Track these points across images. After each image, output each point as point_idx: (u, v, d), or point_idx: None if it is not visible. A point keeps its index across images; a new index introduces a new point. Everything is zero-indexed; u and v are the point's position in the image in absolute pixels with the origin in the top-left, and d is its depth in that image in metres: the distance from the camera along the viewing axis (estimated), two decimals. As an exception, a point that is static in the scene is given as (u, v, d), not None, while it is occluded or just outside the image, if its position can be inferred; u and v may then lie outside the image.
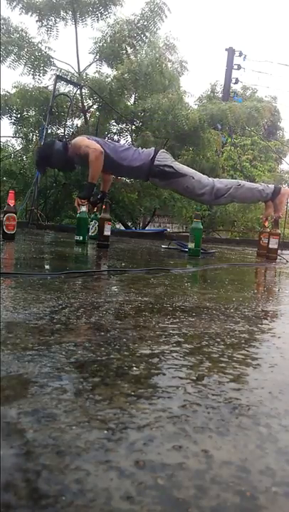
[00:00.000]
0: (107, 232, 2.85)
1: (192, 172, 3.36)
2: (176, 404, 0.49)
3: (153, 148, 3.43)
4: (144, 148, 3.39)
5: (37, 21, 6.41)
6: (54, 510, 0.30)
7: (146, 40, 6.47)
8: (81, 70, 6.66)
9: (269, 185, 3.49)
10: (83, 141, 3.15)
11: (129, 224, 7.76)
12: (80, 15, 6.48)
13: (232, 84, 11.78)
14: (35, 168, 5.25)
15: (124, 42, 6.34)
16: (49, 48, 6.48)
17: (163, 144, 6.95)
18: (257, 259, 3.24)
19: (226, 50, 11.28)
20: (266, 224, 3.48)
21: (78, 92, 6.34)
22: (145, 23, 6.30)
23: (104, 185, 3.57)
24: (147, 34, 6.36)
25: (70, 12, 6.39)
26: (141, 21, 6.29)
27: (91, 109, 7.01)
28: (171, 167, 3.24)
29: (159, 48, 6.56)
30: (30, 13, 6.34)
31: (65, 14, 6.45)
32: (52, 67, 6.56)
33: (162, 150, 3.40)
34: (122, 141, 7.62)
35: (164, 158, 3.28)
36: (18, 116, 6.99)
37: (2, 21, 6.09)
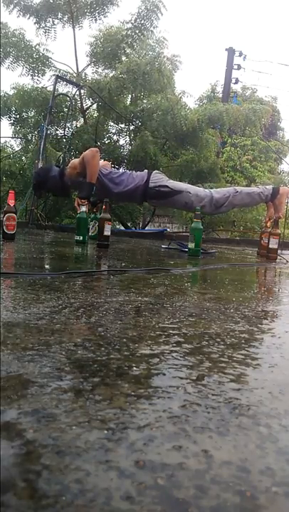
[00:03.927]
0: (107, 232, 2.86)
1: (188, 187, 3.43)
2: (176, 404, 0.49)
3: (146, 170, 3.48)
4: (137, 172, 3.43)
5: (35, 23, 6.42)
6: (54, 511, 0.30)
7: (144, 39, 6.48)
8: (80, 71, 6.67)
9: (267, 187, 3.50)
10: (78, 159, 3.25)
11: (129, 224, 7.77)
12: (77, 16, 6.48)
13: (232, 85, 11.79)
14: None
15: (122, 41, 6.34)
16: (47, 50, 6.49)
17: (162, 144, 6.96)
18: (257, 259, 3.24)
19: (226, 50, 11.30)
20: (268, 225, 3.47)
21: (78, 92, 6.35)
22: (142, 22, 6.30)
23: None
24: (145, 32, 6.37)
25: (68, 13, 6.40)
26: (138, 20, 6.30)
27: (89, 110, 7.02)
28: (167, 186, 3.29)
29: (157, 48, 6.57)
30: (28, 16, 6.35)
31: (62, 15, 6.46)
32: (51, 68, 6.57)
33: (156, 171, 3.47)
34: (122, 142, 7.64)
35: (159, 178, 3.33)
36: (18, 116, 7.00)
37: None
